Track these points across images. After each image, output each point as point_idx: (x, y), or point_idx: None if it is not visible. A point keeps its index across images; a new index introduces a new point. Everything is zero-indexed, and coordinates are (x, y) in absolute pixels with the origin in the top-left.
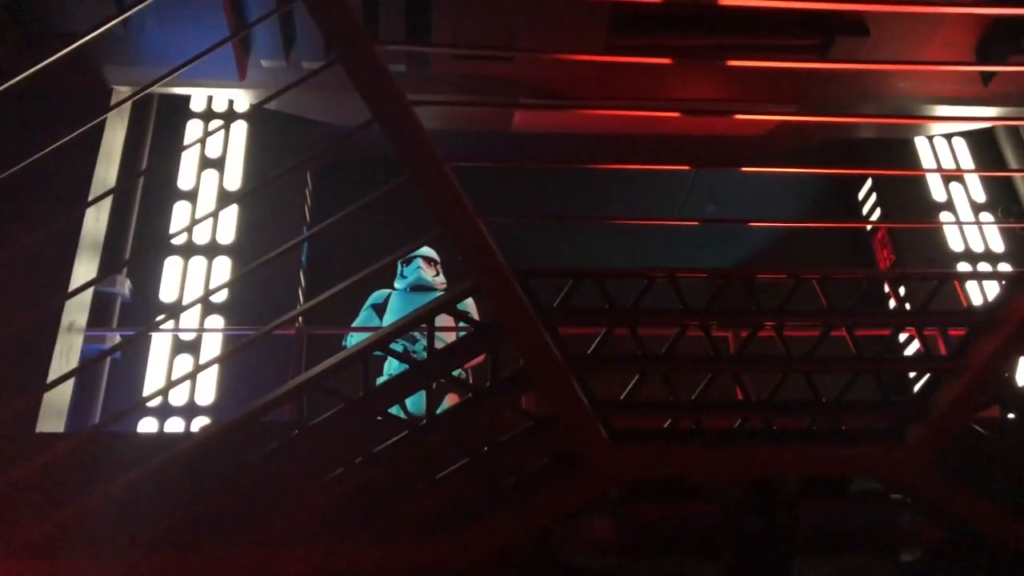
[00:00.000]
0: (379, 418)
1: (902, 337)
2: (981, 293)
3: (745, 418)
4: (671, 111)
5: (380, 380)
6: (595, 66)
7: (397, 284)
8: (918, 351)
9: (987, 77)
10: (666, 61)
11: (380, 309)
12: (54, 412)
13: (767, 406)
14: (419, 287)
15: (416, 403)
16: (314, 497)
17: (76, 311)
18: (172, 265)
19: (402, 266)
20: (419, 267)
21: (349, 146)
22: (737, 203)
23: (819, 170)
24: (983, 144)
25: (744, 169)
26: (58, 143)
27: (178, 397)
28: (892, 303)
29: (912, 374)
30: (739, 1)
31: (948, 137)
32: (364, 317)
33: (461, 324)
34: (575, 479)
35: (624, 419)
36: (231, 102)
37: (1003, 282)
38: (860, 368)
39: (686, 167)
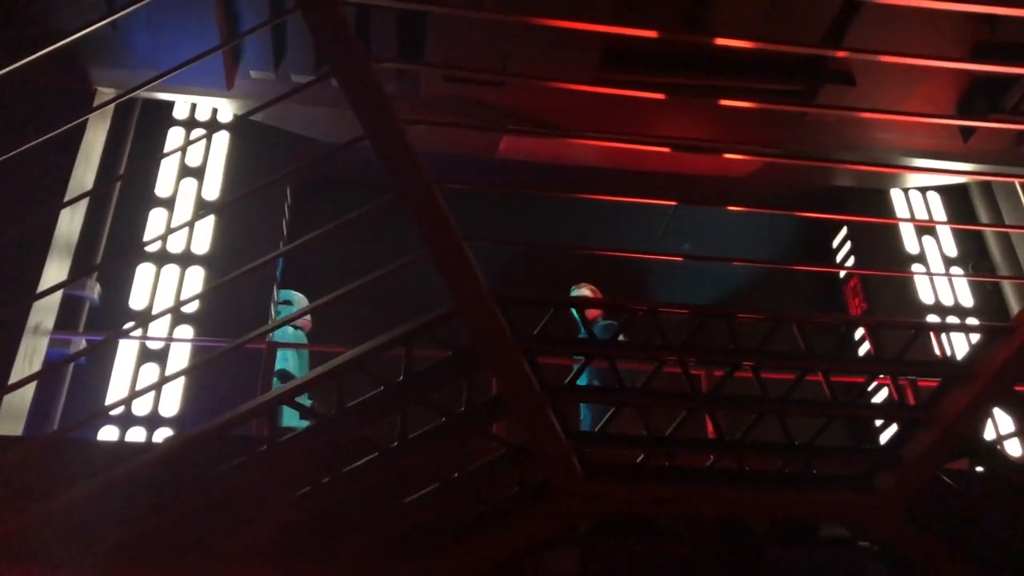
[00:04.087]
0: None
1: (873, 385)
2: (949, 345)
3: (718, 457)
4: (657, 145)
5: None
6: (583, 98)
7: None
8: (888, 399)
9: (967, 134)
10: (656, 96)
11: None
12: (14, 414)
13: (740, 446)
14: None
15: None
16: (278, 516)
17: (43, 313)
18: (144, 272)
19: None
20: None
21: (332, 164)
22: (713, 244)
23: (800, 213)
24: (956, 199)
25: (729, 208)
26: (37, 141)
27: (142, 406)
28: (863, 351)
29: (879, 422)
30: (733, 41)
31: (923, 191)
32: None
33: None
34: (546, 511)
35: (598, 452)
36: (215, 111)
37: (978, 335)
38: (834, 413)
39: (671, 202)
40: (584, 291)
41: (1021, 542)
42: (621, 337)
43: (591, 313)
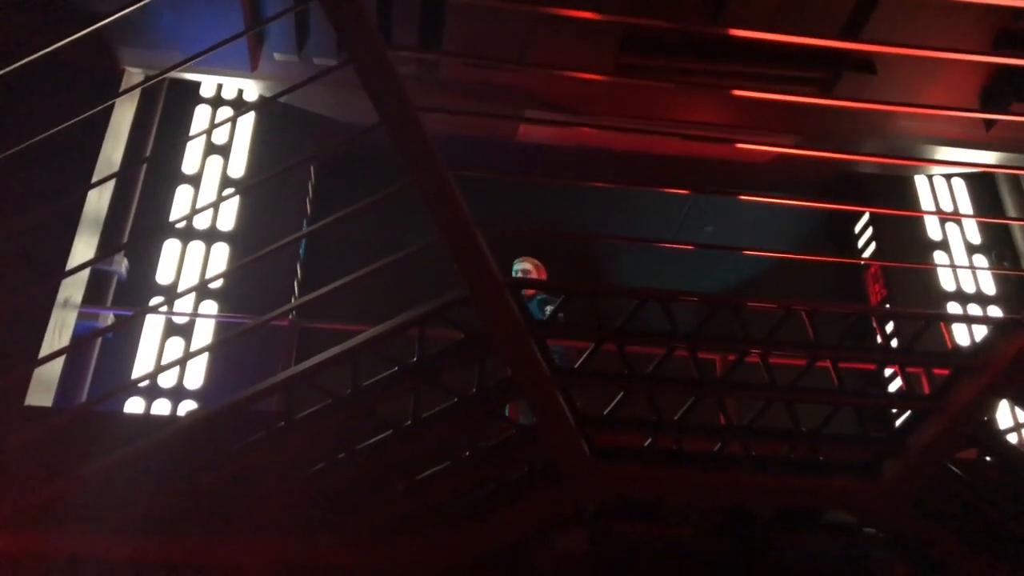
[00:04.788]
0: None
1: (888, 371)
2: (969, 334)
3: (725, 442)
4: (674, 136)
5: None
6: (604, 82)
7: None
8: (900, 388)
9: (989, 122)
10: (672, 86)
11: None
12: (44, 385)
13: (748, 432)
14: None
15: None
16: (294, 490)
17: (72, 287)
18: (170, 248)
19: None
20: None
21: (354, 143)
22: (735, 226)
23: (816, 204)
24: (982, 186)
25: (742, 197)
26: (70, 122)
27: (167, 379)
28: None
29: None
30: (748, 33)
31: (947, 177)
32: None
33: None
34: (554, 492)
35: (606, 436)
36: (240, 90)
37: (990, 327)
38: (842, 401)
39: (685, 191)
40: (526, 264)
41: None
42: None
43: (527, 291)
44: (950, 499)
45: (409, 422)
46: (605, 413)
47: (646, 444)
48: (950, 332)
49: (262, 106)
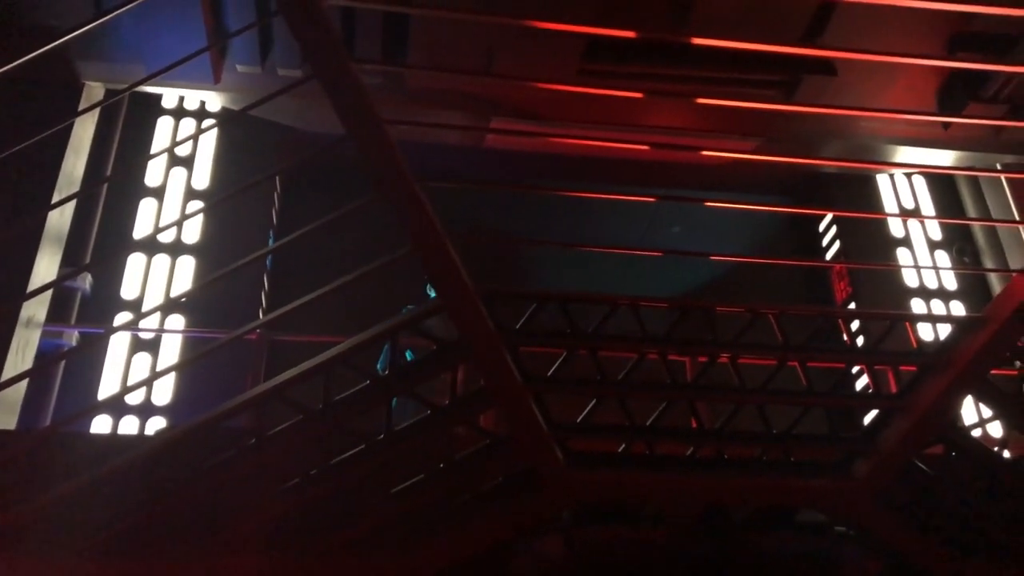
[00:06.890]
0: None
1: (856, 368)
2: (933, 331)
3: (698, 446)
4: (639, 144)
5: None
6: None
7: None
8: (867, 386)
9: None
10: (637, 96)
11: None
12: (8, 406)
13: (720, 435)
14: None
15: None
16: (268, 507)
17: (36, 305)
18: (135, 262)
19: None
20: None
21: (320, 153)
22: (702, 224)
23: (780, 209)
24: (941, 182)
25: (708, 204)
26: (32, 140)
27: (134, 396)
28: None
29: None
30: (711, 41)
31: (908, 174)
32: None
33: None
34: (530, 499)
35: (580, 442)
36: (203, 101)
37: (953, 324)
38: (811, 402)
39: (651, 199)
40: None
41: (992, 525)
42: None
43: None
44: (918, 494)
45: (382, 435)
46: (578, 420)
47: (620, 449)
48: (914, 329)
49: (227, 122)
